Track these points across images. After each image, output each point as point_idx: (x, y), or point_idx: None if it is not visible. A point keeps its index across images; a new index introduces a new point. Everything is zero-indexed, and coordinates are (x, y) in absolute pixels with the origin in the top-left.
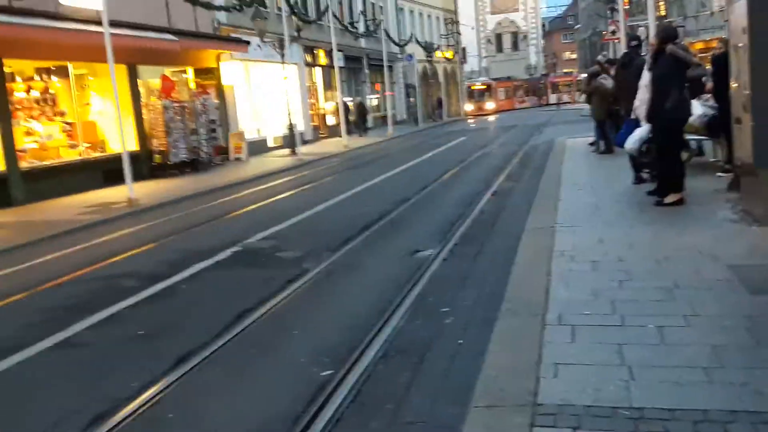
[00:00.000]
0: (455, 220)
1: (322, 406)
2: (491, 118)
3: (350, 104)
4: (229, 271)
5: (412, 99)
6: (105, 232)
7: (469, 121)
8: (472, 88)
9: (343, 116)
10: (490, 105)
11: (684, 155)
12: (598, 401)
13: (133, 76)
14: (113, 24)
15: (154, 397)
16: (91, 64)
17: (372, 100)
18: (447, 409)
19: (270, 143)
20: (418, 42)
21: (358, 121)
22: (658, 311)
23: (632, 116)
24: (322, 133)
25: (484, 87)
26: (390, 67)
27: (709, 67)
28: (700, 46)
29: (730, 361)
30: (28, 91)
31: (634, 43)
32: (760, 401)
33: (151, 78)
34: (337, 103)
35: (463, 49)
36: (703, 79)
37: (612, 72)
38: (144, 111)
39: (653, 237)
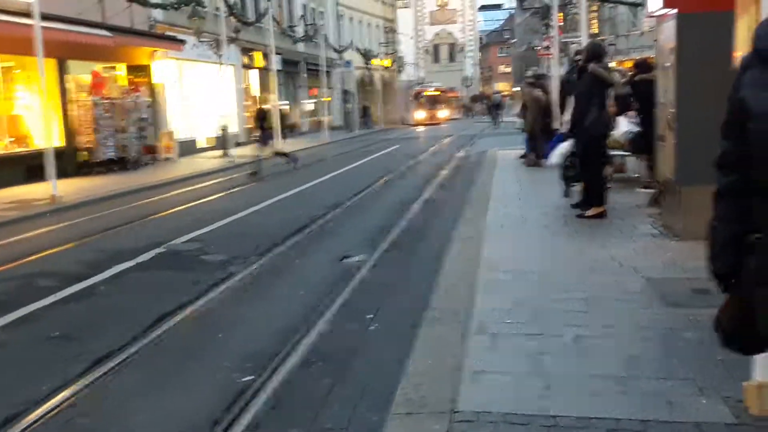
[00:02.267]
0: (386, 226)
1: (240, 411)
2: (443, 126)
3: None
4: (152, 273)
5: (349, 105)
6: (24, 230)
7: (410, 128)
8: (425, 94)
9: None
10: (443, 113)
11: (607, 170)
12: (516, 409)
13: (62, 71)
14: (44, 17)
15: (67, 400)
16: (19, 56)
17: (307, 105)
18: (367, 416)
19: (203, 144)
20: (357, 49)
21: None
22: (578, 321)
23: (561, 130)
24: (255, 136)
25: (438, 93)
26: (328, 73)
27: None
28: (629, 64)
29: (644, 372)
30: None
31: (578, 57)
32: (671, 411)
33: (81, 73)
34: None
35: (401, 58)
36: (629, 98)
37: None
38: (72, 107)
39: (576, 249)
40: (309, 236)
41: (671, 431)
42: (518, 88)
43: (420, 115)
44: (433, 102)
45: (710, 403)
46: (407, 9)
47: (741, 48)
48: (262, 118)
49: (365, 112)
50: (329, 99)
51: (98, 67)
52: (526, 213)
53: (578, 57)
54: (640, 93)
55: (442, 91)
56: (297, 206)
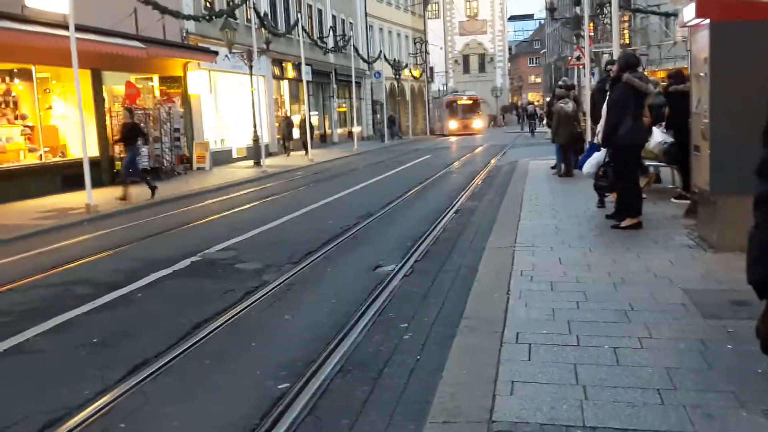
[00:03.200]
0: (418, 236)
1: (277, 419)
2: (474, 136)
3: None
4: (187, 281)
5: (378, 115)
6: (61, 238)
7: (440, 139)
8: (459, 102)
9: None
10: (477, 123)
11: (642, 181)
12: (552, 420)
13: (97, 82)
14: (79, 29)
15: (106, 406)
16: (56, 68)
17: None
18: (403, 425)
19: (234, 154)
20: (386, 59)
21: (284, 138)
22: (614, 332)
23: (595, 140)
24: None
25: (471, 102)
26: (358, 83)
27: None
28: (662, 74)
29: (682, 384)
30: None
31: (610, 67)
32: (710, 424)
33: (115, 84)
34: (303, 117)
35: (431, 69)
36: (664, 109)
37: (570, 97)
38: (107, 117)
39: (610, 259)
40: (341, 245)
41: None
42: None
43: (453, 125)
44: (467, 111)
45: (750, 415)
46: (437, 19)
47: None
48: (289, 129)
49: (392, 122)
50: (344, 108)
51: (132, 78)
52: (559, 223)
53: (609, 67)
54: (674, 103)
55: (475, 100)
56: (329, 215)
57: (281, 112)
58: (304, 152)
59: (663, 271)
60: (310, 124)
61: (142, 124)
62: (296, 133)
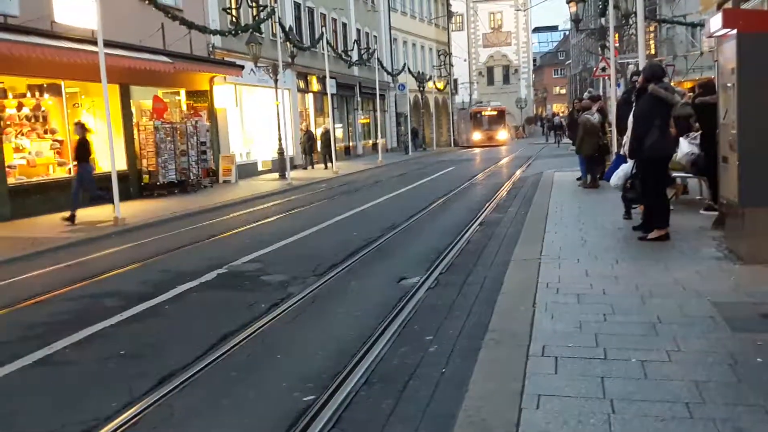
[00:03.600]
0: (442, 248)
1: (303, 431)
2: (498, 148)
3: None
4: (214, 293)
5: (402, 128)
6: (90, 251)
7: (464, 150)
8: (483, 114)
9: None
10: (502, 135)
11: (669, 192)
12: None
13: (125, 97)
14: (108, 44)
15: (134, 417)
16: (84, 83)
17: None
18: None
19: (259, 167)
20: (410, 72)
21: (305, 151)
22: (641, 345)
23: (621, 151)
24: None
25: (496, 113)
26: (382, 96)
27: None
28: (689, 85)
29: (711, 398)
30: (19, 108)
31: (635, 78)
32: None
33: (143, 99)
34: (325, 129)
35: (455, 81)
36: (691, 119)
37: (595, 108)
38: (135, 131)
39: (638, 272)
40: (366, 257)
41: None
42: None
43: (477, 136)
44: (492, 122)
45: None
46: (461, 32)
47: None
48: (310, 142)
49: (415, 134)
50: (367, 120)
51: (159, 92)
52: (585, 235)
53: (635, 78)
54: (702, 114)
55: (500, 111)
56: (354, 228)
57: (303, 125)
58: (324, 166)
59: (691, 283)
60: (334, 136)
61: (168, 139)
62: (318, 146)
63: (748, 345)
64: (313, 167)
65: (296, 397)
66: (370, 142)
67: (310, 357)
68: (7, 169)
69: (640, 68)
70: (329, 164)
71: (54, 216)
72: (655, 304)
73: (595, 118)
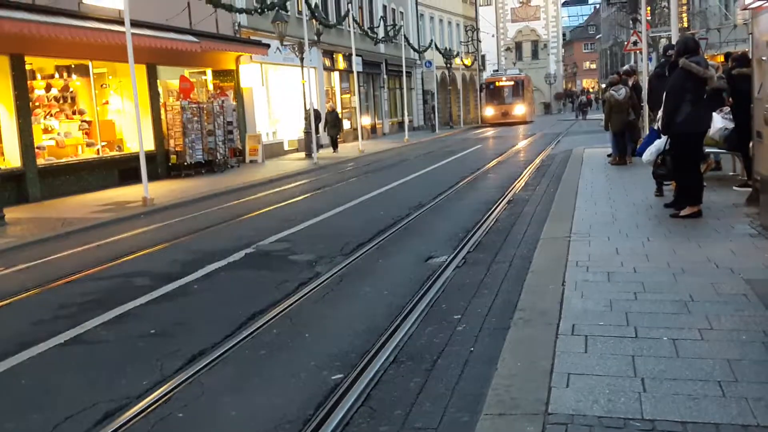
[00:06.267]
0: (470, 227)
1: (332, 409)
2: (528, 126)
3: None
4: (242, 272)
5: (429, 105)
6: (119, 231)
7: (489, 128)
8: (497, 84)
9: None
10: (520, 109)
11: (702, 167)
12: (610, 412)
13: (152, 77)
14: (134, 24)
15: (165, 395)
16: (112, 63)
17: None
18: (457, 416)
19: (286, 146)
20: (437, 48)
21: (331, 133)
22: (673, 324)
23: (655, 127)
24: (339, 138)
25: (513, 83)
26: (408, 73)
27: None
28: (721, 59)
29: (744, 376)
30: (47, 89)
31: (670, 52)
32: None
33: (170, 78)
34: (330, 108)
35: (483, 57)
36: (724, 93)
37: (630, 82)
38: (162, 111)
39: (669, 249)
40: (393, 236)
41: None
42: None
43: (489, 111)
44: (508, 95)
45: None
46: (489, 6)
47: None
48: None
49: (433, 111)
50: (395, 99)
51: (186, 72)
52: (615, 212)
53: (670, 52)
54: (736, 88)
55: (517, 81)
56: (381, 207)
57: (329, 105)
58: (333, 149)
59: (724, 261)
60: (337, 117)
61: (195, 119)
62: (346, 125)
63: None
64: (336, 149)
65: (325, 375)
66: (396, 120)
67: (339, 336)
68: (36, 150)
69: (674, 42)
70: (335, 148)
71: (83, 196)
72: (687, 281)
73: (621, 93)
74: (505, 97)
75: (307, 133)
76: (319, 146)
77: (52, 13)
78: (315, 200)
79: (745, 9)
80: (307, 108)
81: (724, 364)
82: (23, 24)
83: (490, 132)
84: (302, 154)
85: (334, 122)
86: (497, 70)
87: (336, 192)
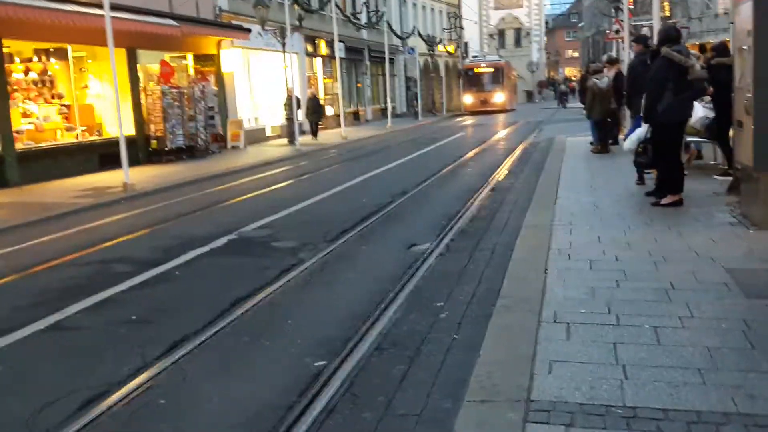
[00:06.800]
0: (453, 214)
1: (315, 396)
2: (511, 114)
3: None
4: (224, 258)
5: (412, 92)
6: (99, 216)
7: (472, 116)
8: (476, 71)
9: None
10: (499, 97)
11: (683, 157)
12: (592, 399)
13: (132, 61)
14: (114, 7)
15: (146, 382)
16: (91, 47)
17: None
18: (440, 403)
19: (268, 132)
20: (420, 35)
21: (311, 118)
22: (654, 312)
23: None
24: (320, 124)
25: (493, 70)
26: (391, 60)
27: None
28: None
29: (724, 364)
30: (26, 73)
31: (650, 43)
32: (753, 404)
33: (150, 63)
34: (311, 95)
35: (466, 44)
36: (705, 83)
37: (612, 72)
38: (142, 96)
39: (650, 238)
40: (376, 224)
41: (754, 424)
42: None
43: (468, 99)
44: (487, 82)
45: None
46: None
47: None
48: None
49: (415, 98)
50: (377, 86)
51: (166, 56)
52: (597, 201)
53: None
54: (716, 77)
55: (497, 68)
56: (363, 194)
57: (309, 92)
58: (311, 136)
59: (705, 249)
60: (318, 103)
61: (176, 104)
62: (329, 111)
63: (761, 311)
64: (315, 136)
65: (308, 362)
66: (379, 107)
67: (321, 323)
68: (14, 135)
69: (655, 30)
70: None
71: (62, 182)
72: (668, 270)
73: (603, 82)
74: (485, 84)
75: (290, 119)
76: (302, 132)
77: None
78: (297, 187)
79: None
80: (289, 94)
81: (705, 351)
82: (1, 6)
83: (472, 120)
84: (284, 141)
85: (314, 108)
86: (476, 56)
87: (318, 179)
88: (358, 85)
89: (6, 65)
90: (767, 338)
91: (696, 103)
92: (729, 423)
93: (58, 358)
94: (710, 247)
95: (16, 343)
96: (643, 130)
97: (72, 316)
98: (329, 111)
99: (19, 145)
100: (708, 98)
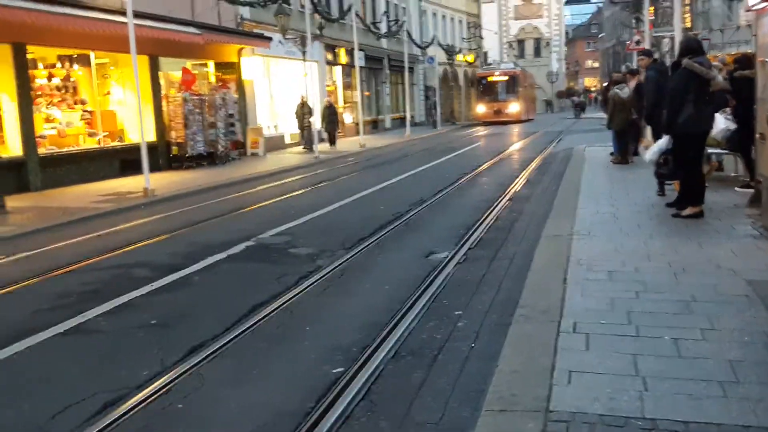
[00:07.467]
0: (471, 223)
1: (332, 403)
2: (527, 124)
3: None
4: (243, 265)
5: (430, 101)
6: (120, 221)
7: (492, 125)
8: (489, 80)
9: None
10: (513, 107)
11: (704, 169)
12: (612, 410)
13: (154, 68)
14: (137, 15)
15: (165, 386)
16: (114, 53)
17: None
18: (458, 412)
19: (287, 140)
20: (439, 44)
21: (327, 128)
22: (675, 323)
23: None
24: (339, 132)
25: (507, 78)
26: (411, 69)
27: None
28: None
29: (746, 377)
30: (49, 78)
31: (657, 56)
32: None
33: (172, 70)
34: (326, 103)
35: (485, 54)
36: (727, 95)
37: (633, 83)
38: (164, 103)
39: (671, 249)
40: (394, 232)
41: None
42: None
43: (481, 109)
44: (501, 91)
45: None
46: (491, 3)
47: None
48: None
49: (434, 107)
50: (396, 94)
51: (188, 64)
52: (617, 211)
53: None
54: (738, 89)
55: (512, 76)
56: (381, 202)
57: (326, 100)
58: (328, 144)
59: (726, 261)
60: (335, 111)
61: (197, 111)
62: (348, 119)
63: None
64: (333, 144)
65: (325, 369)
66: (398, 115)
67: (339, 329)
68: (37, 140)
69: (677, 42)
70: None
71: (84, 186)
72: (689, 282)
73: (625, 92)
74: (498, 93)
75: (308, 127)
76: (320, 140)
77: (54, 3)
78: (316, 194)
79: (749, 10)
80: (304, 100)
81: (726, 364)
82: (25, 12)
83: (490, 130)
84: (302, 148)
85: (330, 117)
86: (490, 64)
87: (337, 186)
88: (366, 93)
89: (30, 71)
90: None
91: (717, 115)
92: None
93: (77, 361)
94: (731, 260)
95: (37, 346)
96: (664, 141)
97: (92, 319)
98: (348, 119)
99: (41, 150)
100: (729, 110)
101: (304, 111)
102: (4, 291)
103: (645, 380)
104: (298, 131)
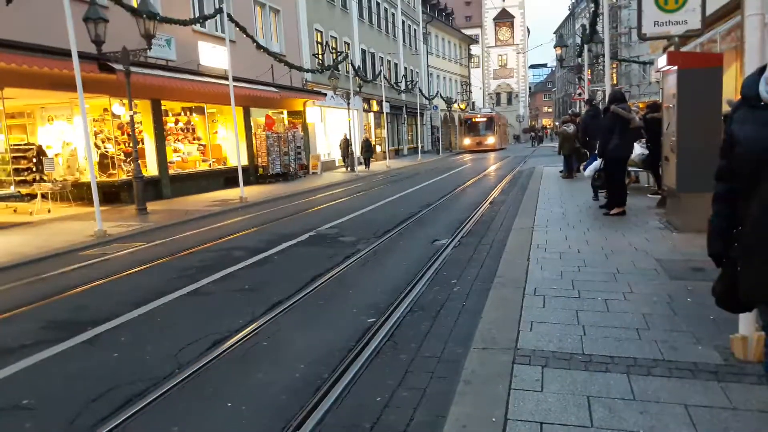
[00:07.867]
0: (463, 219)
1: (367, 342)
2: (502, 151)
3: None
4: (306, 248)
5: (434, 136)
6: (224, 219)
7: (478, 152)
8: (473, 120)
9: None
10: (491, 140)
11: (626, 181)
12: (560, 348)
13: (247, 115)
14: (235, 79)
15: (254, 330)
16: (220, 105)
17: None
18: (454, 349)
19: (336, 163)
20: (441, 97)
21: (364, 155)
22: (605, 289)
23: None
24: (372, 158)
25: (486, 119)
26: (421, 114)
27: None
28: (642, 105)
29: (654, 325)
30: (176, 123)
31: (594, 102)
32: (675, 353)
33: (258, 116)
34: (365, 138)
35: (473, 103)
36: (642, 130)
37: (578, 121)
38: (253, 138)
39: (602, 237)
40: (410, 225)
41: (675, 368)
42: (557, 123)
43: (467, 141)
44: (481, 128)
45: (704, 349)
46: (477, 68)
47: (727, 94)
48: (368, 148)
49: (437, 140)
50: (411, 132)
51: (270, 112)
52: (565, 211)
53: (593, 102)
54: (650, 126)
55: (489, 117)
56: (401, 205)
57: (363, 137)
58: (365, 166)
59: (641, 245)
60: (370, 144)
61: (275, 144)
62: (377, 149)
63: (681, 289)
64: (368, 167)
65: (362, 319)
66: (413, 146)
67: (372, 292)
68: (168, 164)
69: (607, 94)
70: (366, 166)
71: (199, 196)
72: (615, 260)
73: (570, 128)
74: (480, 130)
75: (351, 154)
76: (359, 163)
77: (180, 71)
78: (355, 200)
79: (657, 71)
80: (346, 137)
81: (640, 317)
82: (161, 79)
83: (475, 156)
84: (347, 169)
85: (367, 148)
86: (473, 110)
87: (370, 195)
88: (377, 130)
89: (163, 117)
90: (685, 308)
91: (635, 144)
92: (657, 366)
93: (195, 313)
94: (645, 244)
95: (169, 302)
96: (597, 162)
97: (205, 285)
98: (378, 149)
99: (171, 171)
100: (644, 141)
101: (346, 144)
102: (147, 266)
103: (584, 328)
104: (341, 157)
